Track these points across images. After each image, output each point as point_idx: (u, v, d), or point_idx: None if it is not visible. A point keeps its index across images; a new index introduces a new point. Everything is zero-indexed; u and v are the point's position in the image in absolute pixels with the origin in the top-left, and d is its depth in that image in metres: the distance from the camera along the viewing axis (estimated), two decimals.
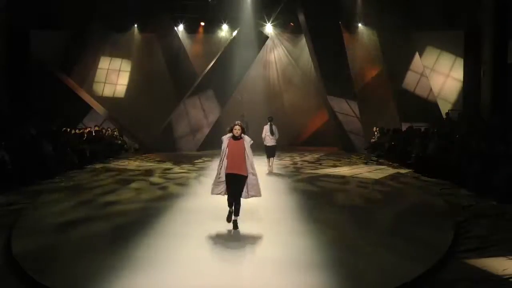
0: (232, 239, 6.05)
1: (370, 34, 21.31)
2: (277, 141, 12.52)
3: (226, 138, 6.52)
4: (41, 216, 7.42)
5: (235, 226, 6.38)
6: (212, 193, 6.64)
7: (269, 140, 12.30)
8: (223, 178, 6.44)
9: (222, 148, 6.49)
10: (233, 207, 6.44)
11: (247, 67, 20.22)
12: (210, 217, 7.14)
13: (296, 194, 9.35)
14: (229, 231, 6.35)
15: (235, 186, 6.39)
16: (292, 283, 4.54)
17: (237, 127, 6.43)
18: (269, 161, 12.44)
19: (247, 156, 6.41)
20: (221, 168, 6.46)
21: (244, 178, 6.42)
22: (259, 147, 11.77)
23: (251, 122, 16.12)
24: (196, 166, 14.33)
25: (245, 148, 6.41)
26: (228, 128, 6.57)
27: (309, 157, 16.61)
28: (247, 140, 6.50)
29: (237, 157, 6.37)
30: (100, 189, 9.96)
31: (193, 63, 21.63)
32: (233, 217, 6.43)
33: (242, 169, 6.37)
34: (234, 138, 6.46)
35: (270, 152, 12.38)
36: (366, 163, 14.57)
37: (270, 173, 12.24)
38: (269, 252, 5.45)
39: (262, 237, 6.10)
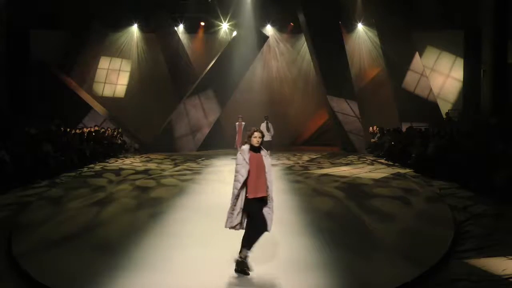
0: (233, 238, 6.02)
1: (370, 34, 21.34)
2: (274, 139, 14.91)
3: (246, 151, 4.87)
4: (41, 217, 7.42)
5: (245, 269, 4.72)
6: (227, 226, 4.91)
7: (265, 136, 13.21)
8: (241, 206, 4.81)
9: (241, 163, 4.82)
10: (249, 250, 4.78)
11: (247, 67, 20.22)
12: (210, 217, 7.15)
13: (298, 194, 9.35)
14: (229, 230, 6.34)
15: (262, 213, 4.84)
16: (292, 283, 4.54)
17: (257, 134, 4.92)
18: None
19: (268, 173, 4.88)
20: (239, 195, 4.78)
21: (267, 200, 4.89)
22: None
23: (251, 123, 16.14)
24: (199, 165, 14.47)
25: (266, 162, 4.92)
26: (246, 138, 5.01)
27: (308, 157, 16.61)
28: (265, 152, 5.03)
29: (261, 175, 4.82)
30: (102, 189, 9.95)
31: (193, 63, 21.65)
32: (246, 254, 4.78)
33: (264, 190, 4.85)
34: (254, 149, 4.93)
35: (266, 146, 13.17)
36: (365, 163, 14.59)
37: None
38: (276, 253, 5.45)
39: (263, 236, 6.07)
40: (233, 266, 4.82)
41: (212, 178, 11.74)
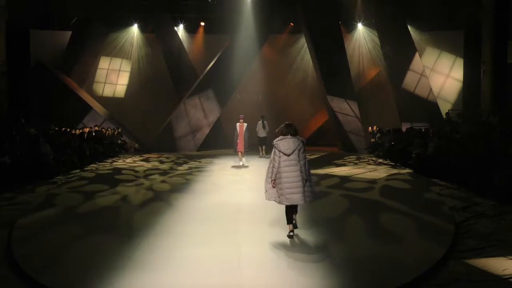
0: (232, 238, 6.04)
1: (370, 34, 21.34)
2: (269, 135, 15.49)
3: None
4: (41, 216, 7.42)
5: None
6: (270, 198, 6.15)
7: (261, 132, 16.34)
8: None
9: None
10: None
11: (247, 67, 20.23)
12: (209, 216, 7.16)
13: None
14: (229, 229, 6.35)
15: None
16: (292, 283, 4.55)
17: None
18: (261, 148, 16.43)
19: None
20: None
21: None
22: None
23: (250, 122, 16.15)
24: (201, 163, 14.57)
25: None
26: (280, 130, 6.24)
27: (308, 157, 16.62)
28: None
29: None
30: (103, 187, 9.96)
31: (193, 63, 21.66)
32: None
33: None
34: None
35: (261, 141, 16.44)
36: (365, 163, 14.58)
37: (262, 156, 16.03)
38: (270, 251, 5.46)
39: (263, 236, 6.09)
40: (233, 265, 4.93)
41: (216, 177, 11.74)
